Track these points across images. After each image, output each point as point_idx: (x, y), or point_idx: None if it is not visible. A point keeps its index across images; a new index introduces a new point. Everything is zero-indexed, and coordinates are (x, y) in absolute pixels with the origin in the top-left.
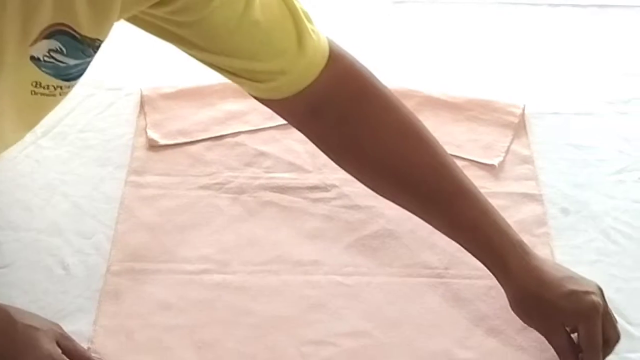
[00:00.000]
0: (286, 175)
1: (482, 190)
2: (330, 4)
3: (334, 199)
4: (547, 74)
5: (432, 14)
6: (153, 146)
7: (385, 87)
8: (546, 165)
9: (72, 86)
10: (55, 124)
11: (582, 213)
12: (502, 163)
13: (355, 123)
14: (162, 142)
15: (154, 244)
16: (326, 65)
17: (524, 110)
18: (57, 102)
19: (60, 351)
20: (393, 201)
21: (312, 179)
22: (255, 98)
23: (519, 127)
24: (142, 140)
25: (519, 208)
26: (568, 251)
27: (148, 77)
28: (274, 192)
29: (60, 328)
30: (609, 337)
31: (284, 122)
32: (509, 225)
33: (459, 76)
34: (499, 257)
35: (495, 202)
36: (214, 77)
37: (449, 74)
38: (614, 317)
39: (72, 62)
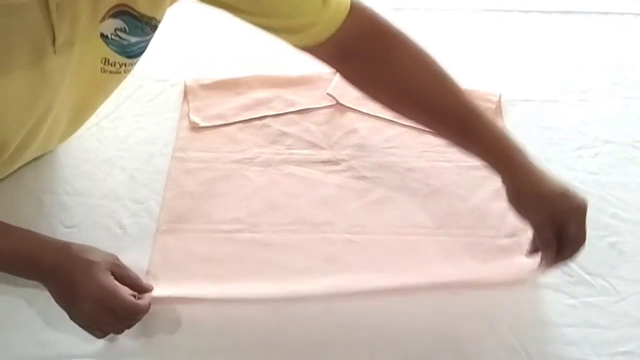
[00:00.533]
0: (304, 151)
1: (464, 164)
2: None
3: (344, 171)
4: (521, 68)
5: (426, 20)
6: (194, 128)
7: (401, 30)
8: None
9: (134, 64)
10: (114, 109)
11: None
12: None
13: (378, 60)
14: (202, 124)
15: (195, 208)
16: (348, 15)
17: (500, 98)
18: (119, 82)
19: (112, 279)
20: (415, 120)
21: (326, 155)
22: (296, 47)
23: (496, 112)
24: (185, 123)
25: (497, 178)
26: None
27: (190, 70)
28: (294, 165)
29: (117, 259)
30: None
31: (303, 107)
32: (507, 132)
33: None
34: (506, 158)
35: (476, 173)
36: (245, 71)
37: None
38: None
39: (133, 39)
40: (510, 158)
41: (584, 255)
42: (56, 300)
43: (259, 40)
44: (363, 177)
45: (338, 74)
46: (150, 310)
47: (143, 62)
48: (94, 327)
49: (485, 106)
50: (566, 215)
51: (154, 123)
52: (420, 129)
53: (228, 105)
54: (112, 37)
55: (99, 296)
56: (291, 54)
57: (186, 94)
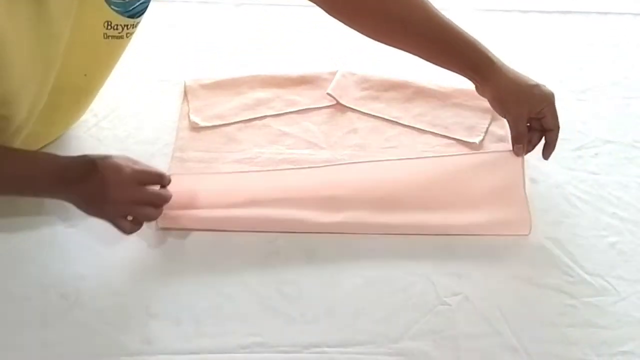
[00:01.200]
0: (304, 151)
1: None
2: None
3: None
4: (520, 68)
5: None
6: (194, 128)
7: None
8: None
9: (136, 26)
10: (114, 109)
11: (548, 182)
12: (482, 141)
13: None
14: (202, 124)
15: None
16: None
17: None
18: (122, 51)
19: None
20: (397, 44)
21: (326, 155)
22: None
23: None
24: (185, 123)
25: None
26: (536, 214)
27: (190, 70)
28: (294, 165)
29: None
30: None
31: (303, 107)
32: (486, 47)
33: (447, 70)
34: (486, 64)
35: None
36: (245, 71)
37: (439, 69)
38: None
39: None
40: (489, 62)
41: (584, 255)
42: (86, 204)
43: (260, 40)
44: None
45: (338, 74)
46: None
47: (143, 62)
48: (127, 213)
49: (485, 106)
50: (542, 104)
51: (154, 123)
52: (421, 129)
53: (228, 105)
54: None
55: (130, 173)
56: (292, 54)
57: (186, 94)
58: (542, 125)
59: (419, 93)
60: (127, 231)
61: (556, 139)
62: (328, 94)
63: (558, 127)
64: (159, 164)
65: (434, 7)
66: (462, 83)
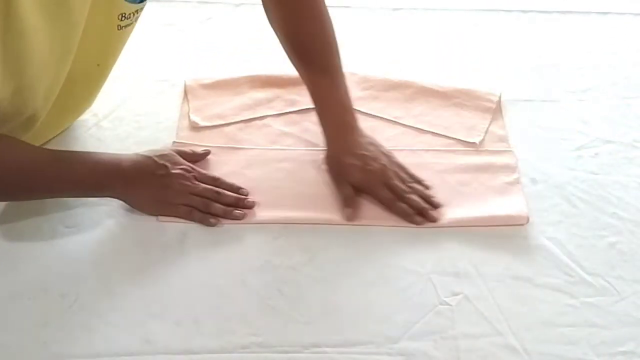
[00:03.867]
0: (304, 151)
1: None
2: (337, 11)
3: None
4: (521, 69)
5: (425, 19)
6: (195, 127)
7: None
8: (518, 144)
9: (142, 9)
10: (114, 109)
11: (548, 182)
12: (482, 141)
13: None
14: (202, 124)
15: None
16: None
17: (500, 97)
18: (131, 32)
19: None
20: (288, 54)
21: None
22: None
23: (496, 111)
24: (185, 123)
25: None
26: (536, 214)
27: (190, 70)
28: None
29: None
30: (394, 190)
31: (303, 107)
32: (350, 107)
33: (447, 70)
34: (329, 126)
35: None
36: (245, 71)
37: (439, 69)
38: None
39: None
40: (329, 127)
41: (584, 255)
42: (145, 202)
43: (260, 40)
44: None
45: None
46: None
47: (143, 62)
48: (192, 195)
49: (485, 106)
50: (359, 178)
51: (154, 123)
52: (421, 129)
53: (228, 105)
54: None
55: (184, 167)
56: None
57: (186, 93)
58: None
59: (420, 93)
60: (199, 219)
61: (401, 211)
62: None
63: (380, 196)
64: None
65: (333, 42)
66: (462, 83)
